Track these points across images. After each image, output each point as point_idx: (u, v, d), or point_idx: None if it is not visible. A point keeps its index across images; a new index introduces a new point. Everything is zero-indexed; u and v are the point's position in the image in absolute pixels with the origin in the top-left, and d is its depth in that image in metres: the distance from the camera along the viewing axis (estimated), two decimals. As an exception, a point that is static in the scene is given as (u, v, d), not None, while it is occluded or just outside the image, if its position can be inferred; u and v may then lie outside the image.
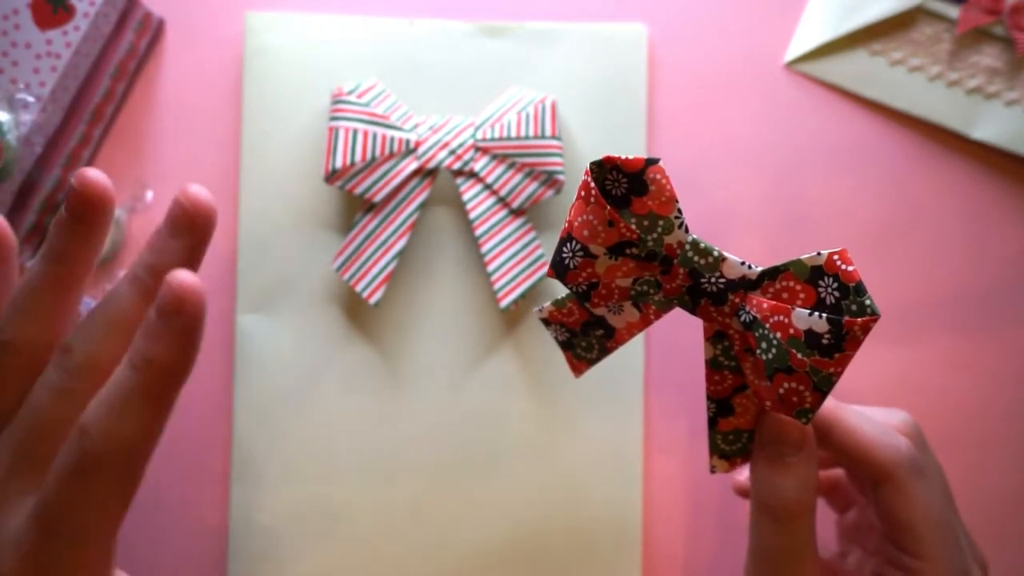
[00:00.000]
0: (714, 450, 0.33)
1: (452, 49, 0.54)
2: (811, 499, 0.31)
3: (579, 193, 0.29)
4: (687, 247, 0.29)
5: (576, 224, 0.29)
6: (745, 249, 0.54)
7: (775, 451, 0.31)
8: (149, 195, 0.54)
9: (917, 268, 0.55)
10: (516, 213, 0.51)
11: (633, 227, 0.29)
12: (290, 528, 0.52)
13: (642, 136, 0.54)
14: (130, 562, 0.52)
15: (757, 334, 0.28)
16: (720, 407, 0.32)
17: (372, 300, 0.50)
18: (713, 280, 0.29)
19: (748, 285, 0.29)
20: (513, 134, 0.50)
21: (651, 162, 0.28)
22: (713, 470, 0.33)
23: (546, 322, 0.34)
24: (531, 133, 0.50)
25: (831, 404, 0.34)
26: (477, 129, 0.51)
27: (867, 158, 0.55)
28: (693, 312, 0.30)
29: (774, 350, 0.28)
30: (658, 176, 0.28)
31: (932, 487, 0.33)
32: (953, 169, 0.55)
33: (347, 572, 0.52)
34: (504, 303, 0.51)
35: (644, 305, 0.31)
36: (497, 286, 0.51)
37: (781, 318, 0.28)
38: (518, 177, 0.50)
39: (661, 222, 0.29)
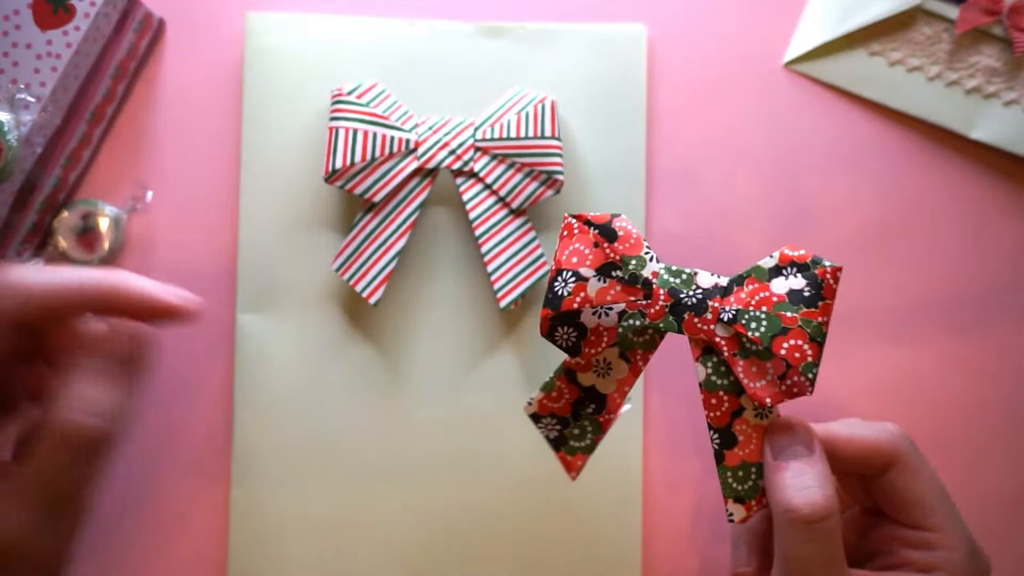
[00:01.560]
0: (727, 492, 0.34)
1: (452, 49, 0.54)
2: (834, 496, 0.31)
3: (561, 235, 0.33)
4: (662, 272, 0.33)
5: (564, 257, 0.32)
6: (744, 249, 0.55)
7: (788, 455, 0.32)
8: (149, 195, 0.54)
9: (915, 268, 0.55)
10: (516, 213, 0.51)
11: (615, 248, 0.33)
12: (290, 528, 0.52)
13: (641, 136, 0.54)
14: (131, 564, 0.52)
15: (744, 320, 0.31)
16: (723, 437, 0.33)
17: (372, 300, 0.50)
18: (691, 293, 0.33)
19: (721, 291, 0.33)
20: (513, 134, 0.50)
21: (615, 216, 0.33)
22: (731, 518, 0.34)
23: (536, 418, 0.35)
24: (531, 133, 0.50)
25: (820, 426, 0.35)
26: (477, 129, 0.51)
27: (866, 158, 0.55)
28: (679, 330, 0.33)
29: (765, 321, 0.31)
30: (624, 224, 0.33)
31: (930, 466, 0.35)
32: (952, 169, 0.56)
33: (347, 573, 0.52)
34: (504, 303, 0.51)
35: (631, 353, 0.34)
36: (497, 286, 0.51)
37: (762, 295, 0.32)
38: (518, 177, 0.50)
39: (634, 260, 0.33)
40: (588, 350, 0.33)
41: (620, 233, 0.33)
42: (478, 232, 0.51)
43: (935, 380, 0.55)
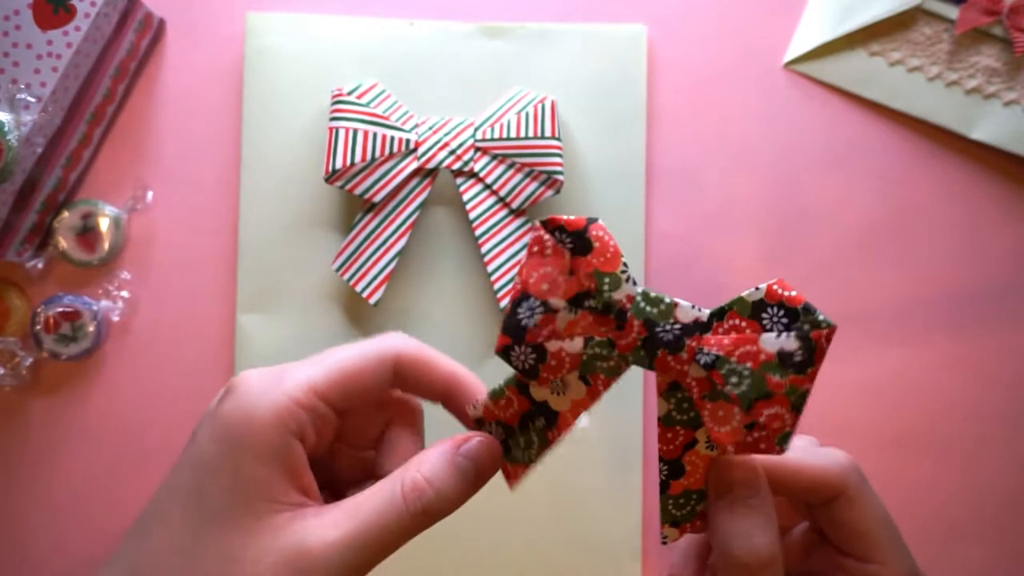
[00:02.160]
0: (665, 518, 0.32)
1: (452, 49, 0.54)
2: (777, 542, 0.31)
3: (531, 249, 0.29)
4: (638, 298, 0.29)
5: (532, 280, 0.29)
6: (744, 248, 0.55)
7: (733, 498, 0.31)
8: (149, 195, 0.54)
9: (915, 267, 0.55)
10: (516, 213, 0.51)
11: (590, 275, 0.29)
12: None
13: (641, 136, 0.54)
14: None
15: (724, 370, 0.28)
16: (672, 468, 0.32)
17: (372, 300, 0.50)
18: (668, 327, 0.29)
19: (701, 327, 0.29)
20: (513, 134, 0.50)
21: (591, 221, 0.29)
22: (664, 540, 0.33)
23: (480, 423, 0.32)
24: (531, 133, 0.50)
25: (771, 457, 0.34)
26: (477, 129, 0.51)
27: (866, 158, 0.55)
28: (650, 366, 0.30)
29: (748, 380, 0.28)
30: (600, 233, 0.29)
31: (877, 497, 0.34)
32: (952, 169, 0.56)
33: None
34: (504, 303, 0.51)
35: (592, 376, 0.30)
36: (497, 286, 0.51)
37: (748, 348, 0.28)
38: (518, 177, 0.50)
39: (608, 279, 0.29)
40: (546, 375, 0.30)
41: (596, 244, 0.29)
42: (478, 232, 0.51)
43: (933, 379, 0.55)
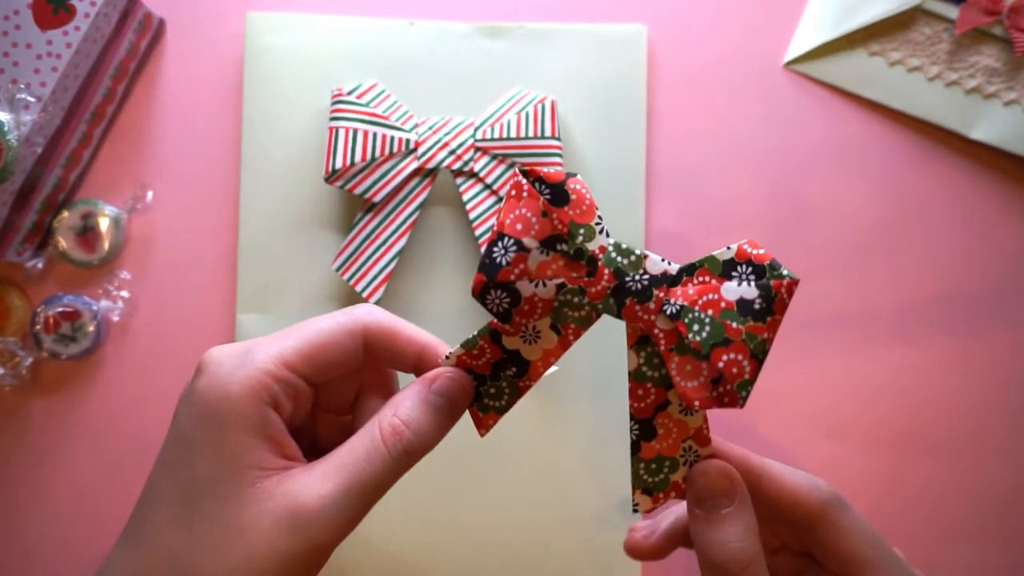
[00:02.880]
0: (636, 483, 0.33)
1: (452, 49, 0.54)
2: (756, 545, 0.31)
3: (508, 194, 0.30)
4: (610, 249, 0.30)
5: (508, 221, 0.30)
6: (744, 249, 0.55)
7: (710, 507, 0.32)
8: (149, 195, 0.54)
9: (914, 267, 0.55)
10: (516, 213, 0.51)
11: (563, 220, 0.30)
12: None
13: (641, 136, 0.54)
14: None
15: (687, 319, 0.30)
16: (643, 428, 0.32)
17: (372, 300, 0.50)
18: (637, 278, 0.30)
19: (669, 281, 0.30)
20: (513, 134, 0.50)
21: (570, 175, 0.30)
22: (635, 509, 0.33)
23: None
24: (531, 133, 0.50)
25: (758, 458, 0.34)
26: (477, 129, 0.51)
27: (866, 158, 0.55)
28: (618, 314, 0.31)
29: (708, 327, 0.29)
30: (578, 187, 0.30)
31: (862, 518, 0.35)
32: (952, 169, 0.56)
33: (346, 574, 0.52)
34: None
35: (563, 326, 0.32)
36: (497, 286, 0.51)
37: (710, 296, 0.29)
38: (518, 177, 0.50)
39: (583, 229, 0.30)
40: (519, 319, 0.31)
41: (572, 197, 0.30)
42: (478, 232, 0.51)
43: (933, 379, 0.55)
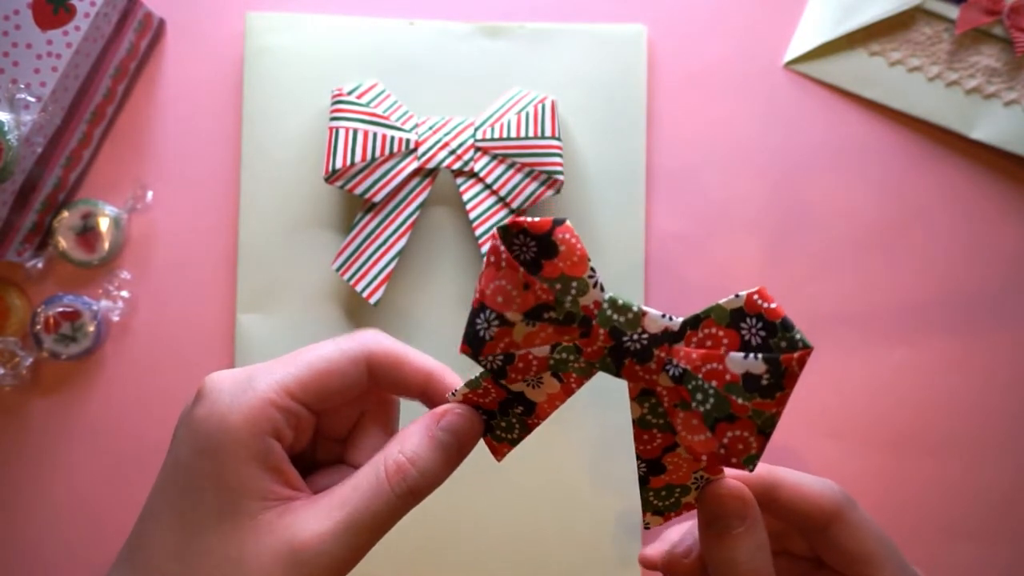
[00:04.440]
0: (647, 508, 0.32)
1: (452, 49, 0.54)
2: (767, 564, 0.31)
3: (488, 259, 0.28)
4: (605, 305, 0.28)
5: (488, 292, 0.28)
6: (744, 248, 0.55)
7: (721, 527, 0.31)
8: (149, 195, 0.54)
9: (915, 267, 0.55)
10: (516, 213, 0.51)
11: (548, 289, 0.28)
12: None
13: (642, 136, 0.54)
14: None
15: (690, 386, 0.28)
16: (651, 467, 0.31)
17: (372, 300, 0.50)
18: (636, 337, 0.28)
19: (671, 337, 0.28)
20: (513, 134, 0.50)
21: (558, 223, 0.28)
22: (647, 526, 0.33)
23: None
24: (531, 133, 0.50)
25: (767, 467, 0.34)
26: (477, 129, 0.51)
27: (866, 158, 0.55)
28: (617, 374, 0.29)
29: (712, 400, 0.27)
30: (567, 236, 0.27)
31: (871, 519, 0.35)
32: (952, 169, 0.56)
33: None
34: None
35: (564, 375, 0.30)
36: (497, 286, 0.51)
37: (714, 365, 0.27)
38: (518, 177, 0.50)
39: (575, 283, 0.28)
40: (515, 376, 0.29)
41: (561, 248, 0.27)
42: (478, 232, 0.51)
43: (933, 379, 0.55)
